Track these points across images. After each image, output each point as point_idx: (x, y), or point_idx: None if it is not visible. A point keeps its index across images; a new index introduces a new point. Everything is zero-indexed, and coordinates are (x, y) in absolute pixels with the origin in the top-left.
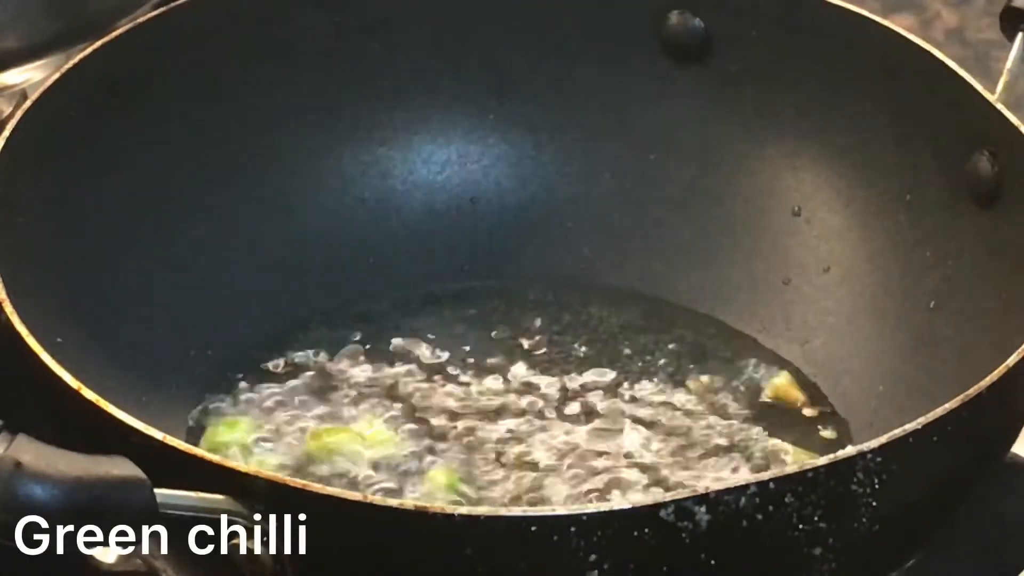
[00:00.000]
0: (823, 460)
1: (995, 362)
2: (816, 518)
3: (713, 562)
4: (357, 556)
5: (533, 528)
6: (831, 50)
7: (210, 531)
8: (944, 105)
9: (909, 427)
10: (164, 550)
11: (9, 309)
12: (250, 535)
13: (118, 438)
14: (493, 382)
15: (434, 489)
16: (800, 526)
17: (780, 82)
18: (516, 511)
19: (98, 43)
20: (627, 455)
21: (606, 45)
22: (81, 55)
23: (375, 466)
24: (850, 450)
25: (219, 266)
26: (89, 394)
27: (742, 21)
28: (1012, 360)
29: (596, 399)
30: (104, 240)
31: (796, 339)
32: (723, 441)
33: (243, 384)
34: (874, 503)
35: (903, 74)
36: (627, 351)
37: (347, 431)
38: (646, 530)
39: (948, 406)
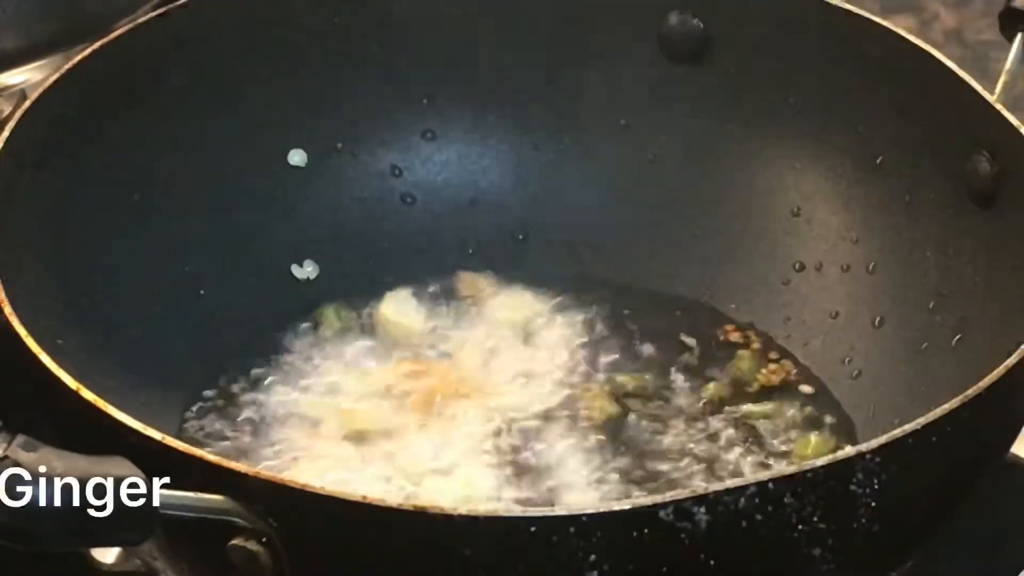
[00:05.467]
0: (822, 460)
1: (995, 362)
2: (815, 518)
3: (713, 562)
4: (356, 556)
5: (532, 528)
6: (831, 50)
7: (209, 531)
8: (943, 105)
9: (909, 427)
10: (163, 550)
11: (9, 310)
12: (249, 535)
13: (118, 438)
14: (493, 382)
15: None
16: (799, 526)
17: (780, 82)
18: (516, 511)
19: (98, 44)
20: (629, 455)
21: (606, 45)
22: (81, 55)
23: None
24: (850, 450)
25: (219, 266)
26: (88, 395)
27: (741, 21)
28: (1012, 360)
29: (595, 398)
30: (104, 240)
31: (796, 339)
32: (722, 439)
33: (243, 384)
34: (873, 503)
35: (903, 75)
36: (626, 351)
37: None
38: (645, 530)
39: (948, 406)
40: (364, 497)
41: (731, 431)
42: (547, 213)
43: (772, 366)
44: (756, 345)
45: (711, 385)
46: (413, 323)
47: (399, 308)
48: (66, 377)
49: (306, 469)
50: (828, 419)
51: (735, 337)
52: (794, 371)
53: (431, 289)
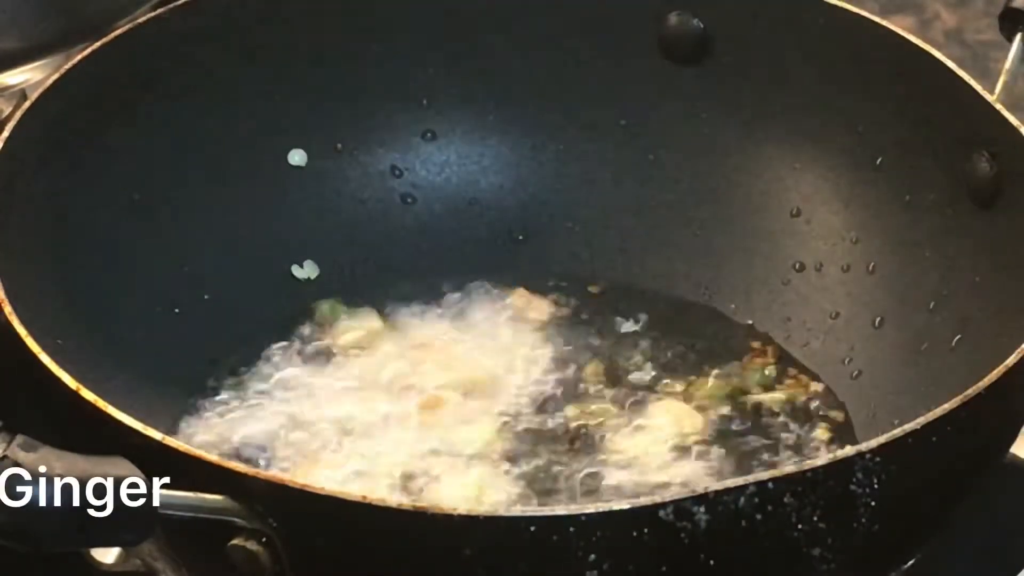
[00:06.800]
0: (822, 460)
1: (995, 362)
2: (815, 518)
3: (712, 562)
4: (356, 556)
5: (532, 528)
6: (831, 50)
7: (209, 531)
8: (943, 105)
9: (908, 427)
10: (163, 550)
11: (8, 310)
12: (249, 535)
13: (118, 438)
14: (494, 382)
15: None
16: (799, 526)
17: (780, 82)
18: (515, 511)
19: (98, 44)
20: (631, 454)
21: (606, 45)
22: (81, 55)
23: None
24: (849, 450)
25: (219, 266)
26: (88, 394)
27: (741, 21)
28: (1011, 360)
29: (596, 398)
30: (104, 240)
31: (796, 339)
32: (723, 439)
33: (243, 384)
34: (873, 503)
35: (903, 75)
36: (626, 351)
37: None
38: (645, 530)
39: (947, 406)
40: (364, 497)
41: (730, 431)
42: (547, 213)
43: (774, 367)
44: (756, 345)
45: (711, 385)
46: (414, 323)
47: (400, 308)
48: (66, 377)
49: (307, 469)
50: (828, 419)
51: (737, 339)
52: (794, 371)
53: (432, 289)
